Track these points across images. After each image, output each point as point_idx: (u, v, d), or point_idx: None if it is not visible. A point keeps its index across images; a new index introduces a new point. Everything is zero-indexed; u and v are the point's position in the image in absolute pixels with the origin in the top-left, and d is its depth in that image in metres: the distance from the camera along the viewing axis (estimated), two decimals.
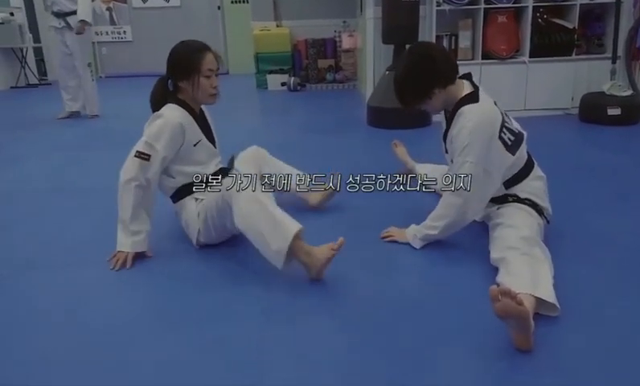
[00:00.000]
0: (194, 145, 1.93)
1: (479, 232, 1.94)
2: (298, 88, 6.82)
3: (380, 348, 1.32)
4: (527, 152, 1.90)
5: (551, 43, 4.09)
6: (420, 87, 1.81)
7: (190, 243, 1.96)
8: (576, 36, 4.07)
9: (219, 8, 9.63)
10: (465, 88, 1.84)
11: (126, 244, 1.83)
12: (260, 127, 4.79)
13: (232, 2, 9.65)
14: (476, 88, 1.85)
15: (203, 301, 1.59)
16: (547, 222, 1.86)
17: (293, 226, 1.63)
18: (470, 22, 4.18)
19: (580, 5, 4.06)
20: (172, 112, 1.89)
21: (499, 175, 1.80)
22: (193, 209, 1.93)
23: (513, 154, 1.80)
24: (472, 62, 4.21)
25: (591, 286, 1.59)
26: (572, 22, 4.09)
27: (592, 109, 3.88)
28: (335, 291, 1.62)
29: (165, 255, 1.91)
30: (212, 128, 2.10)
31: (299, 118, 4.94)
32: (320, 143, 3.76)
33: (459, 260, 1.80)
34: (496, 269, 1.65)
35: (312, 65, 7.08)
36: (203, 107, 2.06)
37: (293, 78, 6.83)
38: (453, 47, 4.28)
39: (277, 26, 7.38)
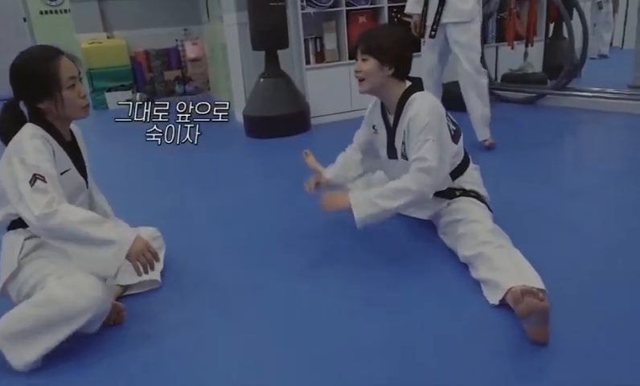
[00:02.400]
0: (61, 174, 1.49)
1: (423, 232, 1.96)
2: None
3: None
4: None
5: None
6: (402, 48, 1.80)
7: None
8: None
9: (24, 20, 8.24)
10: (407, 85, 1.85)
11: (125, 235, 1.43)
12: (120, 156, 4.16)
13: (42, 13, 8.34)
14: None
15: None
16: (491, 211, 1.94)
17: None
18: (334, 25, 4.25)
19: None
20: (30, 130, 1.46)
21: (449, 161, 1.82)
22: (17, 244, 1.47)
23: (456, 144, 1.85)
24: (340, 63, 4.29)
25: (554, 265, 1.67)
26: None
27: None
28: None
29: None
30: (85, 157, 1.68)
31: None
32: (206, 162, 3.43)
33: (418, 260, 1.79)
34: (465, 266, 1.68)
35: (158, 78, 6.52)
36: (74, 132, 1.64)
37: (138, 94, 6.19)
38: (319, 50, 4.31)
39: (109, 37, 6.62)
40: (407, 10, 3.22)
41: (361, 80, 1.83)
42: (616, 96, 3.94)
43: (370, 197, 1.73)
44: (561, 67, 4.38)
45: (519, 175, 2.63)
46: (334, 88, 4.26)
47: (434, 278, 1.70)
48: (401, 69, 1.81)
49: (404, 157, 1.82)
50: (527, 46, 4.69)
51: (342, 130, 2.25)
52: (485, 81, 3.13)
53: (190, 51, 6.66)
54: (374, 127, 2.01)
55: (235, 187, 2.81)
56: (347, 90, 4.29)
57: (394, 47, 1.78)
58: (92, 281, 1.37)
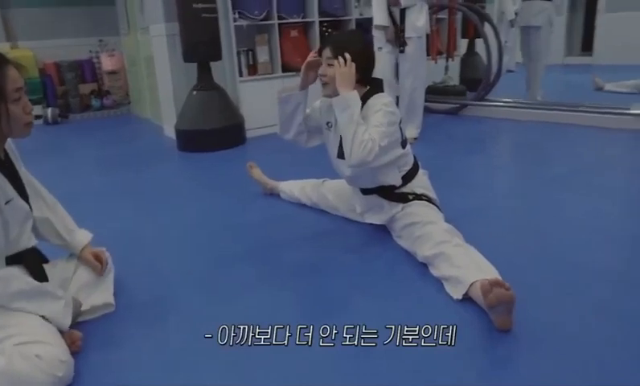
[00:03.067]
0: (6, 204, 1.35)
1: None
2: (59, 119, 5.77)
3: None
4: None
5: None
6: (368, 54, 1.88)
7: None
8: None
9: None
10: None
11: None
12: (46, 177, 3.81)
13: None
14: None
15: None
16: (442, 212, 2.04)
17: None
18: (266, 37, 4.25)
19: (356, 19, 4.59)
20: None
21: (393, 156, 1.88)
22: None
23: (403, 148, 1.94)
24: (273, 76, 4.30)
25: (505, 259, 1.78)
26: None
27: None
28: None
29: None
30: (23, 178, 1.50)
31: (88, 157, 4.08)
32: (143, 180, 3.26)
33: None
34: (424, 265, 1.75)
35: (72, 92, 6.08)
36: (7, 148, 1.45)
37: (50, 109, 5.74)
38: (251, 63, 4.29)
39: (12, 47, 6.09)
40: (379, 23, 3.53)
41: (325, 84, 1.86)
42: (527, 105, 4.34)
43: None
44: (475, 80, 4.75)
45: (455, 180, 2.78)
46: (268, 100, 4.23)
47: (397, 277, 1.75)
48: (365, 75, 1.86)
49: None
50: (447, 60, 5.02)
51: (278, 142, 2.27)
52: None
53: (107, 64, 6.30)
54: (327, 124, 2.03)
55: (179, 205, 2.70)
56: None
57: (361, 53, 1.83)
58: (57, 352, 1.24)
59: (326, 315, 1.53)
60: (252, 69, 4.30)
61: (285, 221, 2.33)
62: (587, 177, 2.72)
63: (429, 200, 1.97)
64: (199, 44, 3.72)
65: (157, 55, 4.40)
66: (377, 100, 1.84)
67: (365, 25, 4.77)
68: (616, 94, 4.86)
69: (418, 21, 3.49)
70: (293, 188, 2.53)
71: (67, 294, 1.46)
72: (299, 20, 4.36)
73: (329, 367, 1.29)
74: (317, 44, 4.40)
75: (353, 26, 4.61)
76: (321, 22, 4.41)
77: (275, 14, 4.17)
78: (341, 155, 1.95)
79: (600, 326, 1.40)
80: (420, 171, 2.04)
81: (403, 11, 3.49)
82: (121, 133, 5.19)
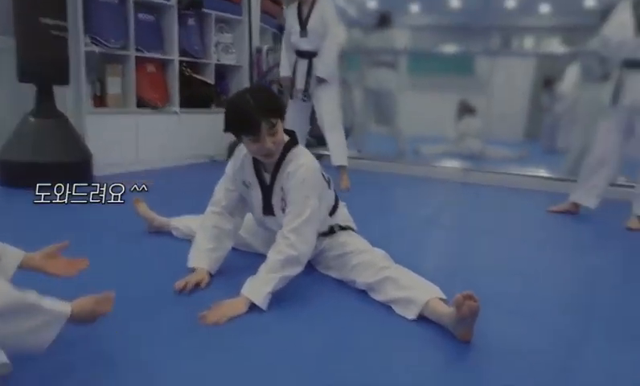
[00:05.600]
0: None
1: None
2: None
3: None
4: None
5: (195, 95, 4.35)
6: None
7: None
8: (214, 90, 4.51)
9: None
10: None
11: None
12: None
13: None
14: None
15: None
16: None
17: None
18: (120, 69, 3.87)
19: (215, 64, 4.54)
20: None
21: (327, 207, 1.90)
22: None
23: (330, 189, 1.94)
24: (126, 110, 3.91)
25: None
26: (211, 79, 4.51)
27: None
28: None
29: None
30: None
31: None
32: None
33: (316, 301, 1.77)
34: (364, 292, 1.76)
35: None
36: None
37: None
38: (99, 94, 3.83)
39: None
40: (282, 74, 3.73)
41: (270, 155, 1.70)
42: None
43: (261, 278, 1.63)
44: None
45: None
46: (119, 136, 3.82)
47: (341, 303, 1.72)
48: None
49: (284, 211, 1.77)
50: None
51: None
52: None
53: None
54: (244, 183, 1.87)
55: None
56: (133, 141, 3.92)
57: (281, 100, 1.79)
58: None
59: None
60: (99, 100, 3.84)
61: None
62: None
63: (353, 230, 2.00)
64: (44, 64, 3.17)
65: None
66: (297, 170, 1.71)
67: (221, 70, 4.78)
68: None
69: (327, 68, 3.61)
70: (189, 224, 2.27)
71: None
72: (157, 56, 4.10)
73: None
74: (175, 84, 4.20)
75: (212, 69, 4.56)
76: (180, 61, 4.23)
77: (132, 45, 3.85)
78: (268, 212, 1.84)
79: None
80: (341, 204, 2.06)
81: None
82: None
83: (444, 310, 1.52)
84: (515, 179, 4.31)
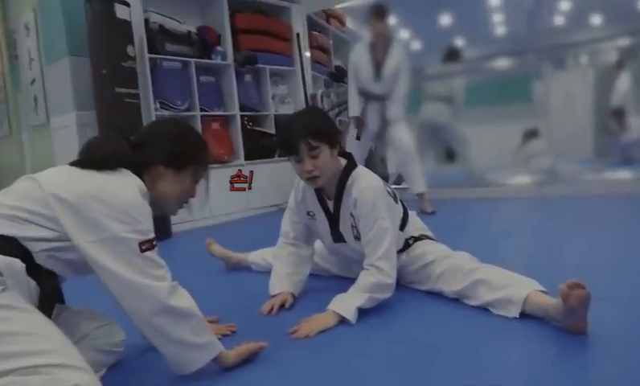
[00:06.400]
0: None
1: None
2: None
3: None
4: None
5: (258, 147, 4.52)
6: (334, 127, 1.74)
7: None
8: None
9: None
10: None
11: None
12: None
13: None
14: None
15: None
16: None
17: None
18: None
19: (274, 115, 4.72)
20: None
21: (398, 223, 1.83)
22: None
23: (397, 203, 1.85)
24: None
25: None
26: (271, 129, 4.68)
27: None
28: None
29: None
30: None
31: None
32: None
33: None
34: (456, 301, 1.66)
35: None
36: None
37: None
38: None
39: None
40: (352, 115, 3.85)
41: (315, 178, 1.63)
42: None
43: (350, 294, 1.61)
44: None
45: None
46: None
47: (432, 311, 1.64)
48: (340, 146, 1.73)
49: (358, 238, 1.73)
50: None
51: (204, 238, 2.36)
52: None
53: None
54: (308, 213, 1.86)
55: None
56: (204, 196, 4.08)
57: (332, 124, 1.75)
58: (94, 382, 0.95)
59: None
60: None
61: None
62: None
63: (429, 238, 1.92)
64: (121, 130, 3.41)
65: (62, 149, 3.92)
66: (363, 194, 1.66)
67: (280, 121, 4.95)
68: None
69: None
70: (266, 256, 2.29)
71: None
72: (220, 113, 4.33)
73: None
74: (239, 138, 4.38)
75: (272, 120, 4.73)
76: (242, 116, 4.43)
77: (197, 105, 4.10)
78: (337, 239, 1.82)
79: None
80: (411, 213, 1.98)
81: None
82: None
83: (548, 302, 1.40)
84: (592, 186, 4.05)
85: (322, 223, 1.82)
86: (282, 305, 1.75)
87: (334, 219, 1.78)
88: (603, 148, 5.94)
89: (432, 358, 1.30)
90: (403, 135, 3.77)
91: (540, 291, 1.46)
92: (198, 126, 4.10)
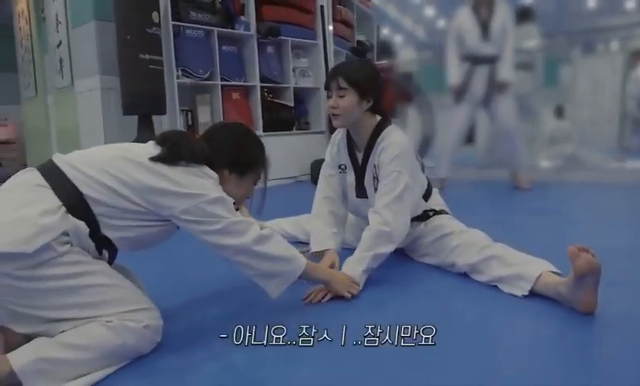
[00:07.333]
0: None
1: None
2: None
3: None
4: None
5: (277, 119, 4.54)
6: (379, 82, 1.81)
7: None
8: (294, 113, 4.68)
9: None
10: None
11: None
12: None
13: None
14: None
15: None
16: None
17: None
18: (208, 98, 4.14)
19: (294, 88, 4.72)
20: None
21: (419, 189, 1.86)
22: None
23: (423, 173, 1.91)
24: None
25: None
26: (290, 102, 4.69)
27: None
28: None
29: None
30: None
31: None
32: None
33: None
34: (463, 275, 1.68)
35: None
36: None
37: None
38: (191, 123, 4.12)
39: None
40: (452, 81, 3.75)
41: (336, 116, 1.74)
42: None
43: (355, 258, 1.65)
44: None
45: None
46: None
47: (440, 284, 1.67)
48: (378, 103, 1.78)
49: (377, 190, 1.77)
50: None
51: None
52: None
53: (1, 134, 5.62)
54: (340, 167, 1.91)
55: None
56: None
57: (373, 80, 1.78)
58: (158, 317, 1.21)
59: None
60: (191, 131, 4.11)
61: None
62: None
63: (448, 214, 1.94)
64: (144, 96, 3.48)
65: (86, 112, 4.01)
66: (390, 145, 1.72)
67: (300, 93, 4.95)
68: None
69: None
70: (283, 225, 2.33)
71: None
72: (241, 83, 4.35)
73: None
74: (258, 109, 4.41)
75: (291, 93, 4.73)
76: (262, 87, 4.45)
77: (218, 75, 4.12)
78: (361, 194, 1.86)
79: None
80: (434, 190, 2.00)
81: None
82: None
83: (560, 279, 1.41)
84: (614, 174, 3.98)
85: (350, 176, 1.87)
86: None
87: (360, 171, 1.82)
88: (626, 138, 5.80)
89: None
90: (507, 110, 3.69)
91: (553, 272, 1.47)
92: (219, 96, 4.14)
